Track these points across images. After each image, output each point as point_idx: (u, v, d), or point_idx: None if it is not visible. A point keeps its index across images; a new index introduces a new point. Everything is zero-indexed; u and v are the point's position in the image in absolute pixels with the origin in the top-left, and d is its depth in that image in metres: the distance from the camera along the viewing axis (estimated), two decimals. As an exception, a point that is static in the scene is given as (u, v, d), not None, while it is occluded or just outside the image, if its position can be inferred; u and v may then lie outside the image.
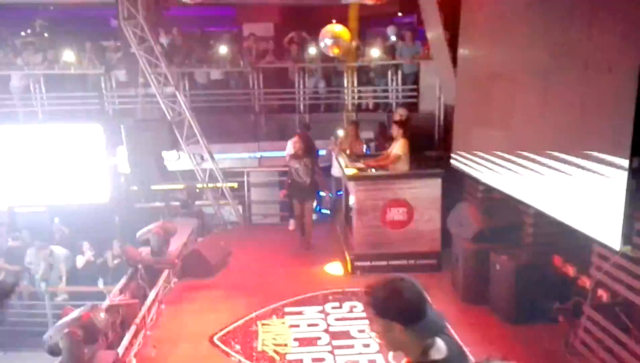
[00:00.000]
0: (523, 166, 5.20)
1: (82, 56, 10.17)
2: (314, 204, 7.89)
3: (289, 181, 7.64)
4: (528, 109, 4.97)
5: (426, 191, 6.58)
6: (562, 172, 4.44)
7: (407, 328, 1.84)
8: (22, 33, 11.68)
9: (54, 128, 9.16)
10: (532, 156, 4.97)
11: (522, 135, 5.14)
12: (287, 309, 5.70)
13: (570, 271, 4.97)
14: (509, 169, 5.47)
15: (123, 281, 6.09)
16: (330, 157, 8.69)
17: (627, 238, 3.57)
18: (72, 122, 9.16)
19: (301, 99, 10.53)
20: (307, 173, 7.48)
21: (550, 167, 4.64)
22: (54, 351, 4.04)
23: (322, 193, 9.23)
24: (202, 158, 9.14)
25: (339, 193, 8.53)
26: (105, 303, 5.17)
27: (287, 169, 7.86)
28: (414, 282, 1.89)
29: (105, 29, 11.40)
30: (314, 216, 7.90)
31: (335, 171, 8.45)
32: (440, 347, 1.84)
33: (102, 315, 4.24)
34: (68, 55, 10.06)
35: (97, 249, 8.50)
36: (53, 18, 11.72)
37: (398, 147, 6.94)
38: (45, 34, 11.60)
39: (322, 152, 9.00)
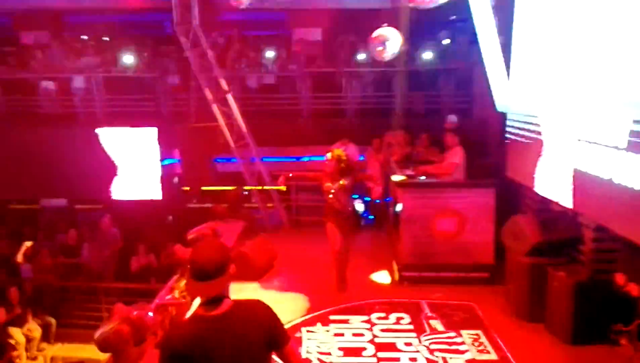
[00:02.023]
0: (582, 178, 4.95)
1: (139, 60, 10.53)
2: (355, 230, 6.60)
3: (325, 206, 6.27)
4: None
5: (479, 201, 6.38)
6: (625, 184, 4.18)
7: None
8: (84, 37, 12.20)
9: (112, 131, 9.53)
10: (591, 166, 4.72)
11: (579, 145, 4.88)
12: (332, 317, 5.64)
13: (634, 290, 4.66)
14: (567, 180, 5.22)
15: (173, 280, 6.20)
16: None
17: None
18: (130, 127, 9.47)
19: (349, 103, 10.48)
20: (346, 198, 6.12)
21: (610, 179, 4.39)
22: (104, 347, 4.16)
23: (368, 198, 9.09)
24: (251, 160, 9.25)
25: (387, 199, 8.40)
26: (155, 302, 5.28)
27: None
28: None
29: (161, 33, 11.75)
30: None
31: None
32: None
33: (151, 314, 4.33)
34: (127, 58, 10.44)
35: (151, 248, 8.75)
36: (112, 22, 12.18)
37: (454, 154, 6.74)
38: (105, 38, 12.08)
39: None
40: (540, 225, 5.55)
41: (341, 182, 6.02)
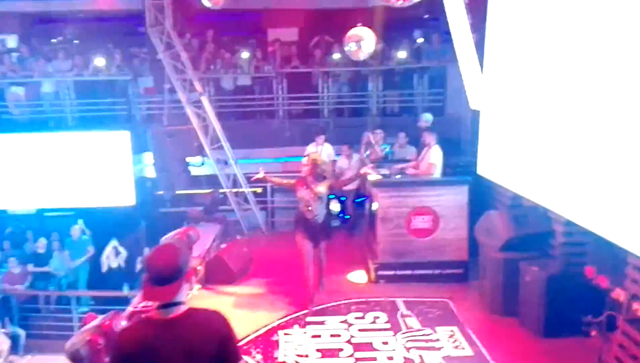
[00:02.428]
0: (552, 174, 5.02)
1: (110, 63, 10.35)
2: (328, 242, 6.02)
3: (296, 213, 5.93)
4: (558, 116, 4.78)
5: (453, 199, 6.42)
6: (595, 179, 4.26)
7: None
8: (53, 40, 11.96)
9: (83, 135, 9.34)
10: (562, 163, 4.79)
11: (550, 142, 4.96)
12: (308, 319, 5.62)
13: (604, 283, 4.75)
14: (538, 177, 5.30)
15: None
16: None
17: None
18: (101, 130, 9.30)
19: (325, 103, 10.49)
20: (319, 207, 5.69)
21: (582, 174, 4.46)
22: (75, 358, 4.06)
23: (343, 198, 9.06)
24: (225, 163, 9.17)
25: (357, 200, 8.40)
26: (128, 310, 5.18)
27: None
28: None
29: (133, 36, 11.57)
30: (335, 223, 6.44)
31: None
32: None
33: (124, 322, 4.24)
34: (98, 61, 10.26)
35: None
36: (82, 25, 11.96)
37: (433, 155, 6.74)
38: (75, 41, 11.85)
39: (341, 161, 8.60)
40: (513, 221, 5.62)
41: (318, 189, 5.64)
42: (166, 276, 2.17)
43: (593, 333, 4.83)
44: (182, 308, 2.22)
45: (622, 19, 3.89)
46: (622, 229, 4.06)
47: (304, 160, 5.90)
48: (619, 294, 4.51)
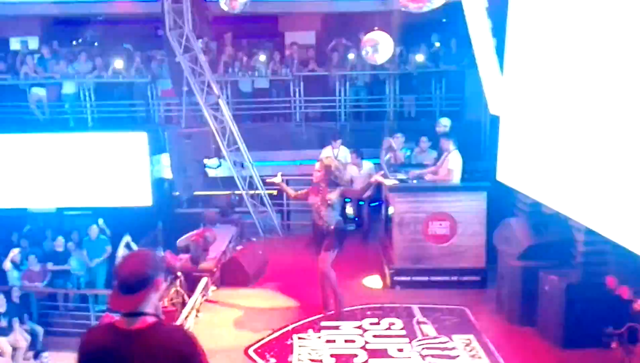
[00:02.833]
0: (573, 181, 4.93)
1: (129, 65, 10.48)
2: (333, 253, 5.57)
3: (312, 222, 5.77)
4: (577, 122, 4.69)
5: (471, 205, 6.35)
6: (617, 187, 4.17)
7: None
8: (73, 43, 12.14)
9: (102, 136, 9.46)
10: (583, 170, 4.70)
11: (571, 148, 4.87)
12: (323, 323, 5.59)
13: (625, 294, 4.63)
14: (558, 184, 5.20)
15: (163, 287, 6.14)
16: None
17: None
18: (119, 131, 9.41)
19: (342, 107, 10.47)
20: (329, 214, 5.46)
21: (604, 182, 4.37)
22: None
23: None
24: (242, 165, 9.21)
25: (372, 204, 8.33)
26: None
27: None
28: None
29: (152, 38, 11.70)
30: (332, 255, 5.58)
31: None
32: None
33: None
34: (118, 63, 10.39)
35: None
36: (102, 28, 12.13)
37: (452, 161, 6.63)
38: (96, 43, 12.02)
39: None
40: (532, 228, 5.53)
41: (329, 196, 5.42)
42: (131, 285, 2.11)
43: (614, 345, 4.72)
44: (148, 320, 2.13)
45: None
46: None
47: (317, 165, 5.64)
48: (641, 305, 4.40)
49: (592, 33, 4.54)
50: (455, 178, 6.65)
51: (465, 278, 6.33)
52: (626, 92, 4.02)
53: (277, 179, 5.83)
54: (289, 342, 5.27)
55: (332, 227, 5.50)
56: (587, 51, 4.60)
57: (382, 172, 6.49)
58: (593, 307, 4.79)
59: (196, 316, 5.77)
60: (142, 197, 9.07)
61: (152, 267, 2.17)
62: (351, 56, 10.44)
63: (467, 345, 5.10)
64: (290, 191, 6.01)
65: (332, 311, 5.67)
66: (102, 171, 9.22)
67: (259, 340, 5.30)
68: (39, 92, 10.60)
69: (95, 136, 9.61)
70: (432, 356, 4.91)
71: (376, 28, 9.08)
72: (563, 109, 5.03)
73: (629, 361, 4.40)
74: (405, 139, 8.48)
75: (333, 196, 5.47)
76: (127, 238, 8.34)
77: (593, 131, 4.55)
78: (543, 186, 5.56)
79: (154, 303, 2.17)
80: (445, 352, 4.98)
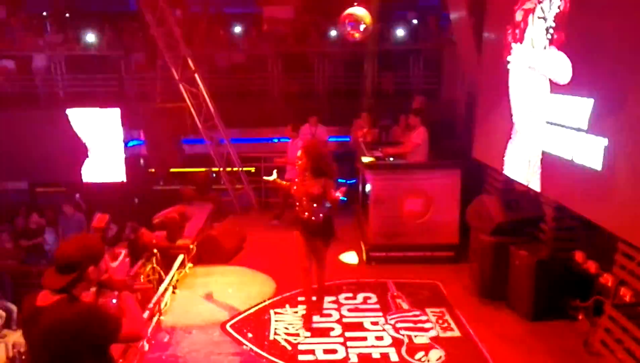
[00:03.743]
0: (543, 158, 5.05)
1: (101, 38, 10.20)
2: (328, 243, 5.15)
3: (293, 210, 5.25)
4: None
5: (445, 182, 6.44)
6: (586, 166, 4.28)
7: None
8: (44, 13, 11.74)
9: (74, 112, 9.24)
10: (553, 147, 4.81)
11: (541, 127, 4.97)
12: (300, 298, 5.66)
13: (592, 268, 4.80)
14: (529, 161, 5.32)
15: (139, 264, 6.11)
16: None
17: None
18: (92, 107, 9.21)
19: (321, 84, 10.41)
20: (315, 208, 4.89)
21: (571, 159, 4.49)
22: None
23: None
24: (219, 142, 9.12)
25: (349, 181, 8.38)
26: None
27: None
28: None
29: (124, 10, 11.38)
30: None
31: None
32: None
33: (114, 300, 4.26)
34: (89, 36, 10.11)
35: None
36: (74, -1, 11.78)
37: (417, 135, 6.81)
38: (67, 14, 11.65)
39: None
40: (504, 205, 5.65)
41: (311, 189, 4.82)
42: (61, 266, 2.27)
43: (580, 317, 4.92)
44: (53, 297, 2.27)
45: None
46: (611, 214, 4.10)
47: (299, 154, 5.01)
48: (607, 279, 4.56)
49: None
50: (420, 153, 6.75)
51: (439, 254, 6.46)
52: (596, 72, 4.10)
53: (273, 178, 5.49)
54: (266, 317, 5.32)
55: (319, 220, 4.91)
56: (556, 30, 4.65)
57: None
58: (561, 281, 4.97)
59: (173, 292, 5.78)
60: (116, 173, 8.94)
61: (86, 256, 2.30)
62: (330, 31, 10.34)
63: (440, 318, 5.23)
64: (286, 186, 5.54)
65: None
66: (75, 147, 9.03)
67: (236, 316, 5.34)
68: (8, 65, 10.26)
69: (67, 112, 9.37)
70: (406, 329, 5.03)
71: (356, 3, 9.00)
72: (535, 89, 5.11)
73: (593, 332, 4.58)
74: (383, 117, 8.52)
75: (316, 189, 4.84)
76: (98, 215, 8.24)
77: (563, 109, 4.64)
78: (515, 163, 5.68)
79: (83, 288, 2.33)
80: (419, 325, 5.10)
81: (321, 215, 4.92)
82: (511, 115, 5.73)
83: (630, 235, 3.97)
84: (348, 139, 8.87)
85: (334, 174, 5.03)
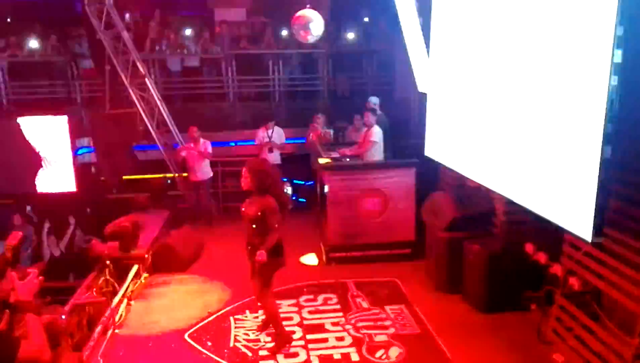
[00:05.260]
0: (493, 155, 5.18)
1: (46, 43, 9.82)
2: (270, 285, 4.75)
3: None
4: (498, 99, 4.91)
5: (401, 181, 6.54)
6: (534, 161, 4.42)
7: None
8: (-17, 19, 11.23)
9: (19, 121, 8.84)
10: (501, 144, 4.94)
11: (490, 124, 5.10)
12: (260, 303, 5.59)
13: (542, 259, 4.98)
14: (480, 158, 5.45)
15: (91, 277, 5.91)
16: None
17: (598, 230, 3.55)
18: (38, 115, 8.82)
19: (277, 86, 10.38)
20: (253, 232, 4.40)
21: (519, 156, 4.62)
22: None
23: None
24: (174, 147, 8.93)
25: (307, 183, 8.41)
26: (70, 302, 5.00)
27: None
28: None
29: (70, 14, 10.98)
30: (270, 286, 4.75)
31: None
32: None
33: (63, 316, 4.10)
34: (33, 42, 9.71)
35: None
36: (16, 3, 11.25)
37: (373, 134, 6.89)
38: (8, 20, 11.16)
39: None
40: (457, 201, 5.78)
41: (248, 210, 4.41)
42: None
43: (533, 307, 5.08)
44: None
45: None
46: (557, 207, 4.24)
47: (243, 171, 4.48)
48: (557, 269, 4.73)
49: (508, 15, 4.72)
50: (377, 152, 6.85)
51: (396, 251, 6.55)
52: (539, 72, 4.24)
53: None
54: (225, 324, 5.25)
55: (261, 261, 4.35)
56: (503, 33, 4.79)
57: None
58: (513, 273, 5.11)
59: (128, 304, 5.61)
60: (66, 183, 8.59)
61: None
62: (284, 33, 10.32)
63: (399, 314, 5.30)
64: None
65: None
66: (21, 157, 8.63)
67: (196, 324, 5.24)
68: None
69: (12, 121, 8.94)
70: (366, 327, 5.07)
71: (308, 6, 9.02)
72: (482, 87, 5.24)
73: (545, 321, 4.74)
74: (339, 118, 8.56)
75: (251, 210, 4.36)
76: (47, 226, 7.91)
77: (509, 107, 4.77)
78: (467, 160, 5.81)
79: None
80: (379, 323, 5.16)
81: (261, 257, 4.31)
82: (461, 113, 5.86)
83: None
84: (304, 140, 8.87)
85: (282, 198, 4.50)
